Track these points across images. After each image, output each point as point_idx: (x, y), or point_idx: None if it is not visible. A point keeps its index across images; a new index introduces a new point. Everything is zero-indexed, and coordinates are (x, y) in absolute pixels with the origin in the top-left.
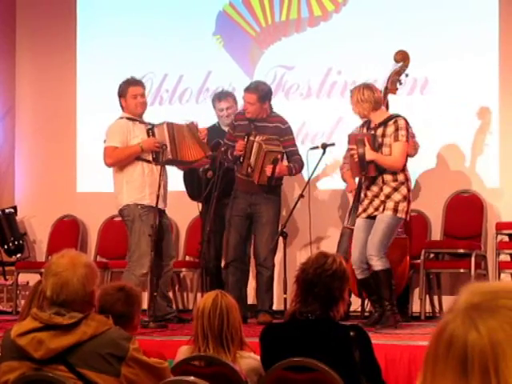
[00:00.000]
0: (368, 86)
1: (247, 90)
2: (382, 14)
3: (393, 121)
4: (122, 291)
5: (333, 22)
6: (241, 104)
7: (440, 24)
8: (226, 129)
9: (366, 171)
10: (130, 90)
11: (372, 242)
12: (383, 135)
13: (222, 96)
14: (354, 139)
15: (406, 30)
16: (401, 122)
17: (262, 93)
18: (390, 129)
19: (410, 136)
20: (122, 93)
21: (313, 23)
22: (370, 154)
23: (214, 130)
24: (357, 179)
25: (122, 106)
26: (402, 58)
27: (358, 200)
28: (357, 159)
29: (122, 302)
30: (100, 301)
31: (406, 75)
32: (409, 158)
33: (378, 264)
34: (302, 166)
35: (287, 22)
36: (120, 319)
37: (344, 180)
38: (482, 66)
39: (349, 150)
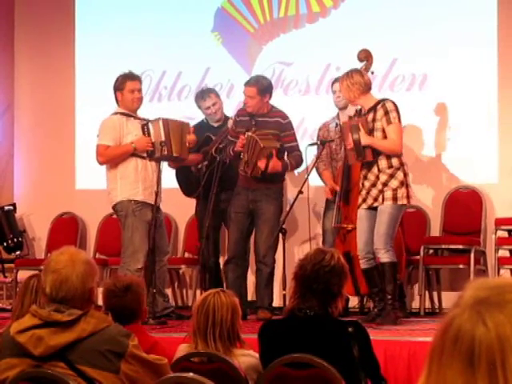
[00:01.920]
0: (356, 70)
1: (247, 83)
2: (381, 10)
3: (380, 105)
4: (129, 291)
5: (331, 18)
6: (239, 100)
7: (438, 20)
8: (214, 124)
9: (363, 157)
10: (128, 85)
11: (378, 236)
12: (373, 120)
13: (204, 95)
14: (347, 126)
15: (404, 26)
16: (389, 105)
17: (261, 86)
18: (380, 113)
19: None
20: (119, 86)
21: (311, 19)
22: (365, 139)
23: (202, 126)
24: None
25: (117, 99)
26: (365, 56)
27: (340, 199)
28: (352, 145)
29: (131, 301)
30: (109, 302)
31: (372, 73)
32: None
33: (384, 257)
34: (299, 162)
35: (285, 19)
36: (131, 315)
37: (323, 180)
38: (480, 62)
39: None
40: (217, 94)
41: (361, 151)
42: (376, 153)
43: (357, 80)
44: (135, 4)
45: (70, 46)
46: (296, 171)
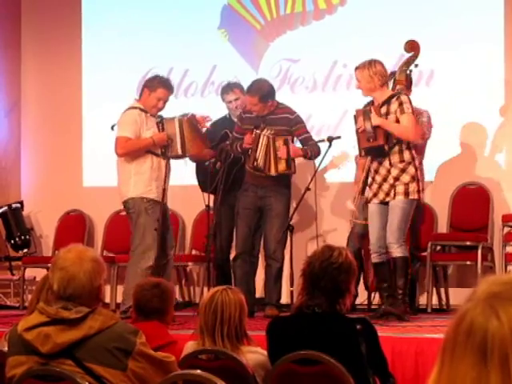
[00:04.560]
0: (378, 60)
1: (248, 92)
2: (387, 6)
3: (395, 98)
4: (157, 288)
5: (338, 15)
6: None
7: (445, 15)
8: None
9: (374, 138)
10: (160, 91)
11: (390, 231)
12: (387, 113)
13: (228, 88)
14: (360, 112)
15: (410, 22)
16: (403, 97)
17: (262, 94)
18: (394, 105)
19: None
20: (151, 86)
21: (318, 16)
22: (376, 119)
23: (224, 121)
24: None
25: (141, 94)
26: (412, 48)
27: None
28: (363, 128)
29: (157, 298)
30: (137, 296)
31: (416, 65)
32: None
33: (397, 251)
34: (317, 150)
35: (292, 15)
36: (155, 314)
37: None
38: (487, 58)
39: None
40: (242, 89)
41: (371, 134)
42: (388, 139)
43: (379, 70)
44: (141, 1)
45: (77, 43)
46: (306, 169)
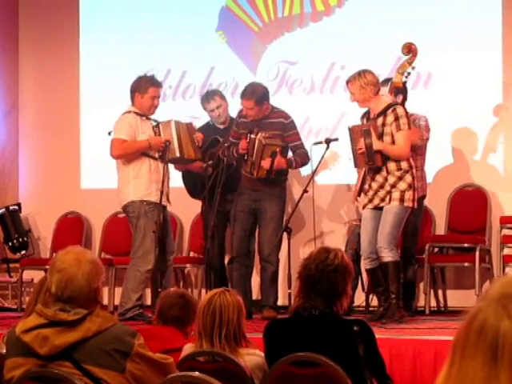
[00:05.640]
0: (368, 70)
1: (243, 96)
2: (385, 8)
3: (391, 109)
4: (182, 298)
5: (336, 17)
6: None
7: (443, 18)
8: (220, 126)
9: (374, 161)
10: (151, 91)
11: (382, 234)
12: (383, 124)
13: (209, 97)
14: (358, 130)
15: (409, 25)
16: (400, 110)
17: (257, 97)
18: (390, 118)
19: (413, 124)
20: (140, 89)
21: (316, 18)
22: (377, 144)
23: (208, 127)
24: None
25: (133, 100)
26: (409, 50)
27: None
28: (364, 150)
29: (179, 307)
30: (161, 302)
31: (413, 68)
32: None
33: (388, 256)
34: (305, 159)
35: (290, 17)
36: (175, 322)
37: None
38: (485, 60)
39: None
40: (222, 95)
41: (372, 156)
42: (384, 158)
43: (370, 79)
44: (139, 3)
45: (75, 45)
46: (302, 172)
